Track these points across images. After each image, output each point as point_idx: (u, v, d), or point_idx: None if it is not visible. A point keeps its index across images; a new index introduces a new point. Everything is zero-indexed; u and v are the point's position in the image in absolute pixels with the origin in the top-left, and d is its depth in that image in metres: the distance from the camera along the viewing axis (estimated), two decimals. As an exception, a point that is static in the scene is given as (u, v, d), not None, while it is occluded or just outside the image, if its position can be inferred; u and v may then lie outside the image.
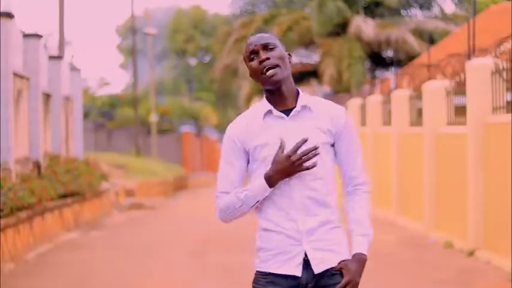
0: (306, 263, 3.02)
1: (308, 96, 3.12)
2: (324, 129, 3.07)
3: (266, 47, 3.06)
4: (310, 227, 3.03)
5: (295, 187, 3.03)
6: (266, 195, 3.02)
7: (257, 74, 3.07)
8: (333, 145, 3.10)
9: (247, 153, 3.10)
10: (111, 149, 37.48)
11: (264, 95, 3.13)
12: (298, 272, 3.02)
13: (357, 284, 3.05)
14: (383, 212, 15.65)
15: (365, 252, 3.11)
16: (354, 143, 3.14)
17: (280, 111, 3.06)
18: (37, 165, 13.58)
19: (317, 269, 3.03)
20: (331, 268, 3.05)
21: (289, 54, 3.12)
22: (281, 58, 3.06)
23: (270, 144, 3.04)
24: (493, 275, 8.79)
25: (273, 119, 3.06)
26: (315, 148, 2.95)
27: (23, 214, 10.45)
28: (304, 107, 3.07)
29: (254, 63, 3.07)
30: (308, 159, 2.95)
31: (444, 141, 12.02)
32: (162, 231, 14.12)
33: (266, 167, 3.03)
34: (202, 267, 9.71)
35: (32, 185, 11.24)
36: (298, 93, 3.11)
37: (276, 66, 3.04)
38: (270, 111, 3.06)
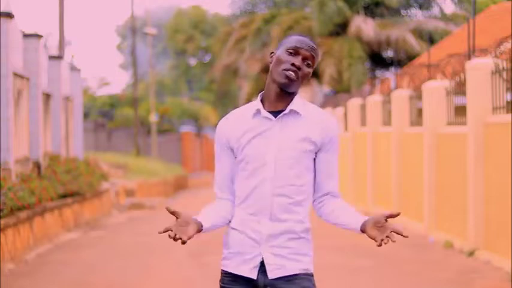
0: (264, 266, 3.02)
1: (302, 102, 3.10)
2: (309, 137, 3.05)
3: (306, 59, 3.05)
4: (272, 233, 3.01)
5: (267, 190, 3.02)
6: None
7: (278, 66, 3.04)
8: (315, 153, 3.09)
9: (232, 150, 3.10)
10: (111, 149, 37.48)
11: (260, 94, 3.12)
12: (253, 274, 3.02)
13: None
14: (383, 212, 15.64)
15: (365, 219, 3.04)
16: (335, 158, 3.13)
17: (271, 112, 3.06)
18: (37, 165, 13.58)
19: (272, 274, 3.01)
20: (292, 275, 3.02)
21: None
22: (305, 76, 3.06)
23: (252, 143, 3.04)
24: (493, 275, 8.79)
25: (260, 119, 3.06)
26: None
27: (23, 214, 10.45)
28: (293, 111, 3.06)
29: (286, 57, 3.05)
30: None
31: (444, 141, 12.02)
32: (162, 231, 14.10)
33: (246, 165, 3.04)
34: (202, 267, 9.71)
35: (32, 185, 11.23)
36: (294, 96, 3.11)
37: (297, 79, 3.03)
38: (258, 111, 3.06)
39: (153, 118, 37.60)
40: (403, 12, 28.01)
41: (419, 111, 13.59)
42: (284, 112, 3.04)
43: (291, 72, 3.01)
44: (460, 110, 11.38)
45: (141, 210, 19.42)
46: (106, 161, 25.38)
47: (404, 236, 2.91)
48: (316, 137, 3.05)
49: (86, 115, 38.67)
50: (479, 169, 10.14)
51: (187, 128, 44.01)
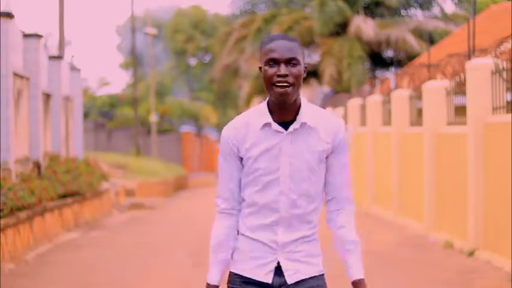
0: (279, 269, 3.02)
1: (308, 109, 3.02)
2: (322, 146, 3.00)
3: (290, 61, 2.94)
4: (287, 240, 3.02)
5: (283, 203, 3.00)
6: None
7: (269, 83, 2.96)
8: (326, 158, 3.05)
9: (241, 159, 3.05)
10: (111, 149, 37.50)
11: (267, 98, 3.04)
12: (268, 279, 3.02)
13: None
14: (383, 212, 15.65)
15: (363, 277, 3.13)
16: (346, 161, 3.08)
17: (279, 123, 2.98)
18: (37, 165, 13.59)
19: (291, 279, 3.02)
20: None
21: (305, 67, 3.01)
22: (298, 77, 2.94)
23: (264, 157, 2.98)
24: (493, 275, 8.79)
25: (271, 132, 2.98)
26: None
27: (23, 214, 10.45)
28: (303, 124, 2.98)
29: (270, 72, 2.95)
30: None
31: (444, 141, 12.02)
32: (162, 231, 14.12)
33: (259, 178, 2.99)
34: (202, 266, 9.71)
35: (32, 185, 11.24)
36: (300, 105, 3.01)
37: (291, 85, 2.94)
38: (268, 124, 2.98)
39: (153, 118, 37.60)
40: (403, 12, 28.00)
41: (419, 111, 13.58)
42: (295, 127, 2.97)
43: (281, 89, 2.92)
44: (460, 110, 11.38)
45: (141, 210, 19.42)
46: (106, 161, 25.38)
47: None
48: (327, 144, 3.01)
49: (86, 115, 38.68)
50: (479, 169, 10.14)
51: (187, 128, 44.03)
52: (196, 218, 16.83)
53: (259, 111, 3.03)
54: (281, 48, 2.95)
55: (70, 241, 12.65)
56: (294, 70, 2.94)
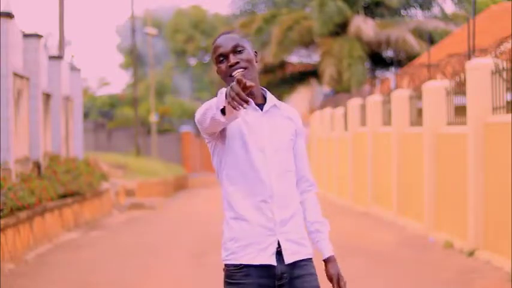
0: (278, 253, 3.08)
1: (273, 96, 3.22)
2: (291, 127, 3.20)
3: (235, 50, 3.11)
4: (283, 218, 3.09)
5: (274, 178, 3.09)
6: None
7: (226, 76, 3.12)
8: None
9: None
10: (111, 149, 37.49)
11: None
12: (273, 261, 3.06)
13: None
14: (383, 212, 15.65)
15: (333, 253, 3.27)
16: (304, 145, 3.28)
17: None
18: (37, 165, 13.58)
19: (288, 259, 3.08)
20: (300, 260, 3.13)
21: (255, 52, 3.18)
22: (249, 60, 3.12)
23: (249, 133, 3.08)
24: (493, 275, 8.79)
25: (251, 110, 3.12)
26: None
27: (23, 214, 10.45)
28: (274, 105, 3.16)
29: (223, 66, 3.12)
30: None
31: (444, 141, 12.02)
32: (162, 231, 14.12)
33: (244, 156, 3.07)
34: (202, 267, 9.71)
35: (32, 185, 11.24)
36: (265, 91, 3.19)
37: (245, 68, 3.10)
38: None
39: (153, 118, 37.60)
40: (403, 12, 28.03)
41: (419, 111, 13.58)
42: (269, 105, 3.14)
43: (236, 73, 3.07)
44: (460, 110, 11.38)
45: (141, 210, 19.42)
46: (106, 161, 25.38)
47: None
48: (294, 127, 3.20)
49: (86, 115, 38.70)
50: (479, 169, 10.14)
51: (187, 128, 43.99)
52: (197, 218, 16.82)
53: None
54: (223, 41, 3.13)
55: (70, 241, 12.65)
56: (242, 56, 3.11)
